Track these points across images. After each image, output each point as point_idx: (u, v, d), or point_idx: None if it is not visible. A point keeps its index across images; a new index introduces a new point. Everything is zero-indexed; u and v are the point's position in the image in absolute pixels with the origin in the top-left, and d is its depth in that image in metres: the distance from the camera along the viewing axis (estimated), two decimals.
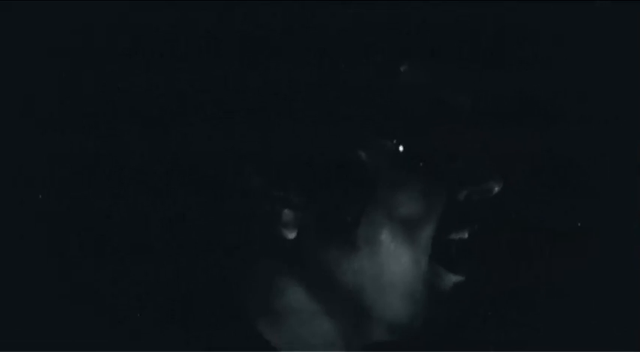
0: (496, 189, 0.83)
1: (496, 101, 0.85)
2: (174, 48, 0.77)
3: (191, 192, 0.78)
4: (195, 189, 0.78)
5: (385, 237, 0.80)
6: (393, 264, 0.80)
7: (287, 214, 0.78)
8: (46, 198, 0.82)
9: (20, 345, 0.79)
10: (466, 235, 0.84)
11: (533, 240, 1.03)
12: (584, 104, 0.96)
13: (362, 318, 0.81)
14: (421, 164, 0.79)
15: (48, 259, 0.81)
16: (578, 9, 0.88)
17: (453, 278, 0.83)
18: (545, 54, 0.87)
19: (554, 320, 0.97)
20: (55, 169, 0.81)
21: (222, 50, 0.77)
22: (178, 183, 0.78)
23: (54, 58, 0.80)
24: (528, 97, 0.92)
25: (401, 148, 0.79)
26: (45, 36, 0.81)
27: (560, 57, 0.90)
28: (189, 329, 0.78)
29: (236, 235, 0.78)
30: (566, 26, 0.88)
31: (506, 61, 0.81)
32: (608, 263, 0.96)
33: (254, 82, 0.76)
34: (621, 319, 0.95)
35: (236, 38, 0.76)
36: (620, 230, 0.97)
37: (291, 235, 0.79)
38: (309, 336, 0.82)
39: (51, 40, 0.80)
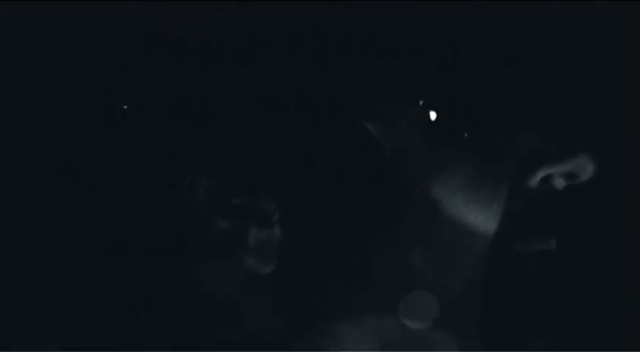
0: (590, 170, 0.55)
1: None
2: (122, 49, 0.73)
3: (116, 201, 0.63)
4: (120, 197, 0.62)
5: (417, 256, 0.51)
6: (433, 299, 0.52)
7: (256, 236, 0.53)
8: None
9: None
10: (553, 244, 0.57)
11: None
12: (584, 104, 0.96)
13: None
14: (466, 135, 0.52)
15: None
16: (577, 8, 0.88)
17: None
18: (543, 53, 0.87)
19: (555, 320, 0.96)
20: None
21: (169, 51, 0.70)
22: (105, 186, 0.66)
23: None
24: (526, 97, 0.91)
25: (432, 115, 0.50)
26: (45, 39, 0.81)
27: (558, 57, 0.90)
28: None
29: (178, 270, 0.57)
30: (565, 25, 0.88)
31: (503, 61, 0.81)
32: (608, 263, 0.96)
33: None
34: (621, 319, 0.95)
35: (193, 40, 0.69)
36: (621, 229, 0.97)
37: (266, 269, 0.53)
38: None
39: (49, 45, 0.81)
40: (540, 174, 0.55)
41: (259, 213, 0.52)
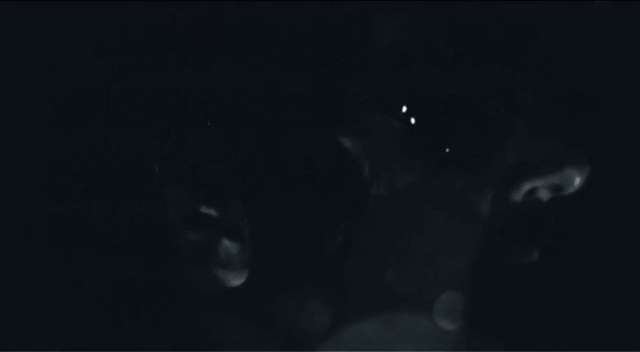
0: (577, 181, 0.53)
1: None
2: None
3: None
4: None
5: (393, 275, 0.49)
6: (411, 321, 0.50)
7: (227, 247, 0.53)
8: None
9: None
10: (535, 256, 0.55)
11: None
12: (583, 104, 0.96)
13: None
14: (447, 150, 0.49)
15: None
16: (577, 8, 0.88)
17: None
18: (543, 53, 0.87)
19: (555, 320, 0.96)
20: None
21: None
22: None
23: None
24: (524, 97, 0.91)
25: (413, 120, 0.47)
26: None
27: (558, 57, 0.90)
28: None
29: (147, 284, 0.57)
30: (565, 25, 0.88)
31: (502, 60, 0.81)
32: (608, 263, 0.96)
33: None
34: (621, 319, 0.95)
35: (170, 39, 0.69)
36: (620, 229, 0.97)
37: (237, 281, 0.53)
38: None
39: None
40: (526, 187, 0.53)
41: (229, 224, 0.49)
